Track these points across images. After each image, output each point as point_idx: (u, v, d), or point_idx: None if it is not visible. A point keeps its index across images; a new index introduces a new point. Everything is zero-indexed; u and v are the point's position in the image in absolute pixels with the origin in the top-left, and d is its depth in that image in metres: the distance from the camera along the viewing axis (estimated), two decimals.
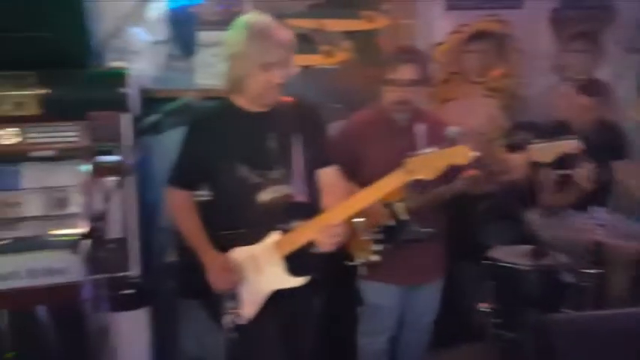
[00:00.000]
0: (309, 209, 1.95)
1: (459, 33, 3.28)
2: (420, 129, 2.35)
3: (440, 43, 3.28)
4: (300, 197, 1.95)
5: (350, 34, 3.13)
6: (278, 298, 1.93)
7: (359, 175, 2.36)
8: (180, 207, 2.05)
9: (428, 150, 1.79)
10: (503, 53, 3.34)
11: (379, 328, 2.49)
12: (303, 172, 1.97)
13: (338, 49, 3.12)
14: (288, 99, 1.99)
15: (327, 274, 2.03)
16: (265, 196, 1.94)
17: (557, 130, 2.91)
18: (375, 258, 2.36)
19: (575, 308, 2.56)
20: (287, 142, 1.96)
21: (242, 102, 1.97)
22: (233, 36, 1.88)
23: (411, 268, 2.40)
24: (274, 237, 1.91)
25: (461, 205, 2.64)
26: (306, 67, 3.05)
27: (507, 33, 3.34)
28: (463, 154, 1.80)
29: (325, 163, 2.06)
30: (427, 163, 1.79)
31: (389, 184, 1.84)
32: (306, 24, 3.07)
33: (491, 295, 2.75)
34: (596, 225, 2.73)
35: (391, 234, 2.34)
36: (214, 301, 1.95)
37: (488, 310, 2.75)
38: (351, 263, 2.39)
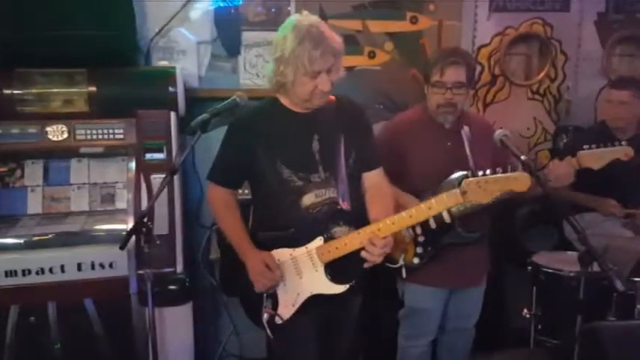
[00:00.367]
0: (353, 216, 1.93)
1: (504, 35, 3.24)
2: (465, 131, 2.33)
3: (484, 45, 3.25)
4: (344, 204, 1.93)
5: (393, 35, 3.12)
6: (316, 301, 1.92)
7: (403, 177, 2.36)
8: (221, 204, 2.03)
9: (486, 173, 1.76)
10: (548, 56, 3.28)
11: (421, 331, 2.47)
12: (348, 175, 1.95)
13: (381, 50, 3.11)
14: (331, 98, 1.95)
15: (368, 276, 2.01)
16: (308, 199, 1.91)
17: (597, 132, 2.93)
18: (417, 261, 2.34)
19: (621, 317, 2.50)
20: (332, 144, 1.93)
21: (287, 102, 1.94)
22: (281, 39, 1.82)
23: (454, 271, 2.37)
24: (317, 242, 1.89)
25: (504, 209, 2.62)
26: (349, 68, 3.06)
27: (552, 36, 3.29)
28: (523, 182, 1.77)
29: (372, 166, 2.04)
30: (484, 187, 1.76)
31: (442, 203, 1.81)
32: (350, 25, 3.07)
33: (534, 301, 2.70)
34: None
35: (434, 237, 2.31)
36: (254, 300, 1.96)
37: (530, 315, 2.69)
38: (393, 266, 2.37)
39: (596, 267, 2.45)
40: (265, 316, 1.92)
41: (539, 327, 2.69)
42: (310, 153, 1.91)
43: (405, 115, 2.48)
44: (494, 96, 3.31)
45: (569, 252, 2.91)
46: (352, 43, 3.06)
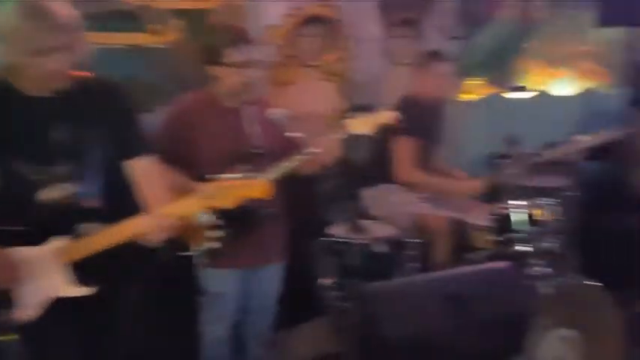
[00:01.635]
0: (104, 213, 1.78)
1: (293, 16, 3.31)
2: (249, 112, 2.32)
3: (274, 26, 3.28)
4: (91, 201, 1.77)
5: (181, 13, 3.01)
6: (68, 301, 1.74)
7: (190, 161, 2.27)
8: None
9: (227, 176, 1.74)
10: (336, 38, 3.43)
11: (221, 314, 2.41)
12: (98, 167, 1.77)
13: (167, 28, 2.98)
14: (86, 75, 1.76)
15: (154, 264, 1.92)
16: (48, 195, 1.72)
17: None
18: (215, 245, 2.27)
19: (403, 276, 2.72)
20: (79, 131, 1.73)
21: (20, 85, 1.69)
22: (1, 15, 1.57)
23: (251, 250, 2.34)
24: (58, 242, 1.72)
25: (305, 184, 2.68)
26: (132, 47, 2.89)
27: (339, 18, 3.43)
28: (260, 189, 1.75)
29: (135, 153, 1.87)
30: (225, 192, 1.72)
31: (186, 207, 1.76)
32: (133, 0, 2.88)
33: (331, 270, 2.82)
34: (419, 198, 2.93)
35: (230, 218, 2.24)
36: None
37: (329, 284, 2.81)
38: (189, 253, 2.29)
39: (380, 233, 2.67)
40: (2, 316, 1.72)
41: (337, 295, 2.83)
42: (49, 143, 1.71)
43: (188, 98, 2.38)
44: (287, 77, 3.38)
45: (364, 221, 3.11)
46: (134, 19, 2.88)
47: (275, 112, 2.03)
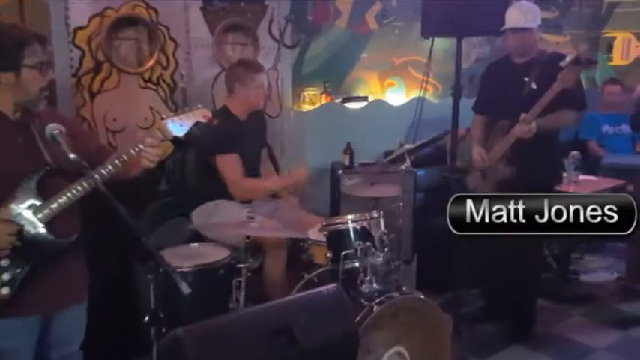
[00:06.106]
0: None
1: (104, 17, 2.96)
2: (37, 125, 1.97)
3: (81, 28, 2.90)
4: None
5: None
6: None
7: None
8: None
9: None
10: (157, 42, 3.13)
11: None
12: None
13: None
14: None
15: None
16: None
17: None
18: (7, 291, 1.89)
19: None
20: None
21: None
22: None
23: (48, 290, 1.99)
24: None
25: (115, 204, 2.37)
26: None
27: (159, 21, 3.15)
28: None
29: None
30: None
31: None
32: None
33: (152, 301, 2.51)
34: (247, 218, 2.74)
35: (23, 255, 1.91)
36: None
37: (147, 320, 2.50)
38: None
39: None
40: None
41: (164, 330, 2.53)
42: None
43: None
44: (102, 84, 3.02)
45: (194, 244, 2.86)
46: None
47: (48, 128, 1.78)
